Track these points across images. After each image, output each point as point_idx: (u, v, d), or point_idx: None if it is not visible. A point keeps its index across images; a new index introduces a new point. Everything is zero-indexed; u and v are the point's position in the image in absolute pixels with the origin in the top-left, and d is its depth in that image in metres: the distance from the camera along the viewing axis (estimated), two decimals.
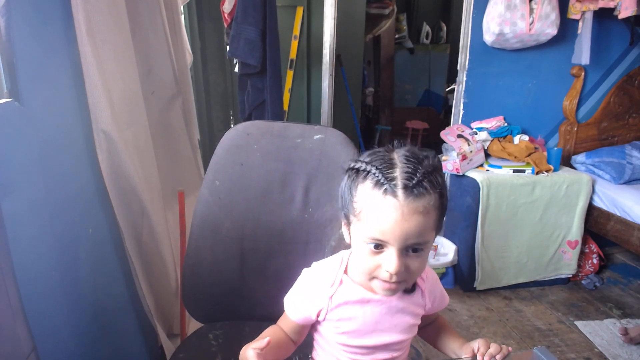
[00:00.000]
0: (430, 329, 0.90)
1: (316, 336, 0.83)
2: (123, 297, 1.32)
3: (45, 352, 0.92)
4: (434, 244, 2.32)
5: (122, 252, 1.29)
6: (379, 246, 0.67)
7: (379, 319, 0.76)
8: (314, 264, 0.81)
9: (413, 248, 0.67)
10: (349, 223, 0.71)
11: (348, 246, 0.76)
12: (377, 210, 0.65)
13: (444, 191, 0.67)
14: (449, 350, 0.85)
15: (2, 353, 0.81)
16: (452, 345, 0.84)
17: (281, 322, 0.82)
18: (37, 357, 0.89)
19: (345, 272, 0.77)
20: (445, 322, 0.91)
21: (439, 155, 2.40)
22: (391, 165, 0.66)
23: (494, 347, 0.75)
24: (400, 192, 0.64)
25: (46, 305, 0.96)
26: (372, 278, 0.70)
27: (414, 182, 0.64)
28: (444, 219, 0.73)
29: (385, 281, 0.69)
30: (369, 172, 0.67)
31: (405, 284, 0.71)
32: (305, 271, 0.82)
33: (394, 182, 0.64)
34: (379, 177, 0.65)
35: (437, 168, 0.68)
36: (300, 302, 0.79)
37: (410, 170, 0.65)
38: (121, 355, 1.31)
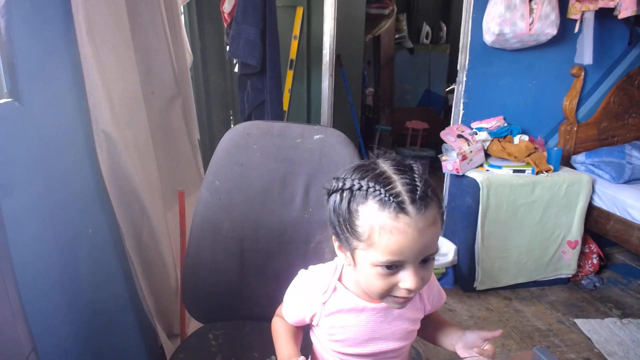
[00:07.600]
0: (427, 328, 0.88)
1: (314, 340, 0.82)
2: (123, 297, 1.32)
3: (45, 351, 0.92)
4: None
5: (122, 252, 1.29)
6: (392, 267, 0.63)
7: (375, 327, 0.74)
8: (311, 267, 0.80)
9: (425, 259, 0.64)
10: (350, 248, 0.66)
11: None
12: (392, 233, 0.60)
13: (439, 193, 0.64)
14: (447, 344, 0.82)
15: (2, 353, 0.81)
16: (450, 339, 0.81)
17: (283, 314, 0.83)
18: (37, 356, 0.89)
19: (340, 279, 0.75)
20: (439, 315, 0.88)
21: (439, 155, 2.40)
22: (388, 180, 0.61)
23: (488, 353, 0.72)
24: (410, 208, 0.60)
25: (46, 305, 0.96)
26: (386, 296, 0.67)
27: (419, 194, 0.60)
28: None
29: (401, 297, 0.66)
30: (367, 190, 0.61)
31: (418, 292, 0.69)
32: (301, 272, 0.80)
33: (400, 199, 0.60)
34: (383, 196, 0.60)
35: (425, 172, 0.65)
36: (294, 305, 0.78)
37: (408, 181, 0.61)
38: (121, 355, 1.31)
